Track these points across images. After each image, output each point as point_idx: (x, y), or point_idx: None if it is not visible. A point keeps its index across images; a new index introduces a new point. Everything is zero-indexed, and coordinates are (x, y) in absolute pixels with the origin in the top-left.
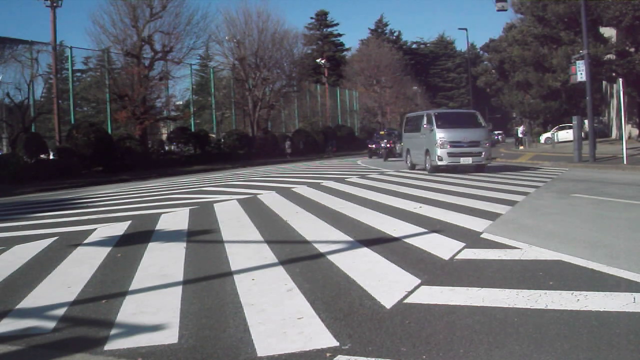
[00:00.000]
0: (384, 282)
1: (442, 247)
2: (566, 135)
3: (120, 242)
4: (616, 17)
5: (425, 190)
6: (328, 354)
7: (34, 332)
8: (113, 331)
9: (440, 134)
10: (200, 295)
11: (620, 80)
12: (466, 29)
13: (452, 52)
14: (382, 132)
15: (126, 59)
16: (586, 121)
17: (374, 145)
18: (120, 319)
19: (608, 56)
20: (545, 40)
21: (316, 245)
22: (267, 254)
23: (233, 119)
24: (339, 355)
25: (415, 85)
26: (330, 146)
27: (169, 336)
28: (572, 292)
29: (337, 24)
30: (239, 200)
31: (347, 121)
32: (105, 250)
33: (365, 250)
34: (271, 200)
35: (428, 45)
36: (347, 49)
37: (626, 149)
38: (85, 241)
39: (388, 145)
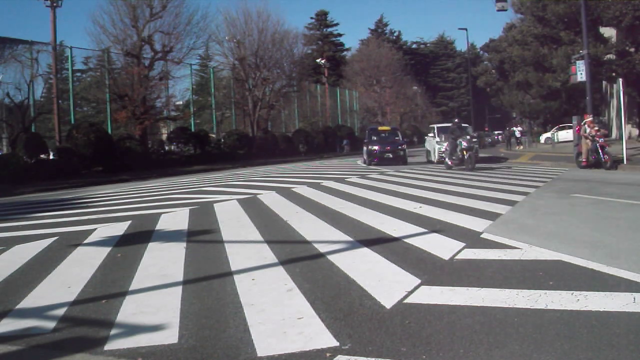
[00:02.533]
0: (384, 282)
1: (442, 247)
2: (566, 135)
3: (120, 242)
4: (616, 17)
5: (425, 190)
6: (328, 354)
7: (34, 332)
8: (113, 331)
9: None
10: (200, 295)
11: (620, 80)
12: (466, 29)
13: (452, 52)
14: (382, 128)
15: (126, 59)
16: None
17: (376, 148)
18: (120, 319)
19: (608, 56)
20: (545, 40)
21: (316, 245)
22: (267, 254)
23: (233, 119)
24: (339, 355)
25: (415, 85)
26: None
27: (169, 336)
28: (572, 292)
29: (337, 24)
30: (239, 200)
31: (347, 121)
32: (105, 250)
33: (365, 250)
34: (271, 200)
35: (428, 45)
36: (347, 49)
37: (626, 149)
38: (85, 241)
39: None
